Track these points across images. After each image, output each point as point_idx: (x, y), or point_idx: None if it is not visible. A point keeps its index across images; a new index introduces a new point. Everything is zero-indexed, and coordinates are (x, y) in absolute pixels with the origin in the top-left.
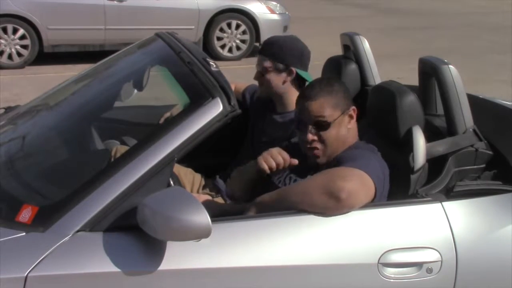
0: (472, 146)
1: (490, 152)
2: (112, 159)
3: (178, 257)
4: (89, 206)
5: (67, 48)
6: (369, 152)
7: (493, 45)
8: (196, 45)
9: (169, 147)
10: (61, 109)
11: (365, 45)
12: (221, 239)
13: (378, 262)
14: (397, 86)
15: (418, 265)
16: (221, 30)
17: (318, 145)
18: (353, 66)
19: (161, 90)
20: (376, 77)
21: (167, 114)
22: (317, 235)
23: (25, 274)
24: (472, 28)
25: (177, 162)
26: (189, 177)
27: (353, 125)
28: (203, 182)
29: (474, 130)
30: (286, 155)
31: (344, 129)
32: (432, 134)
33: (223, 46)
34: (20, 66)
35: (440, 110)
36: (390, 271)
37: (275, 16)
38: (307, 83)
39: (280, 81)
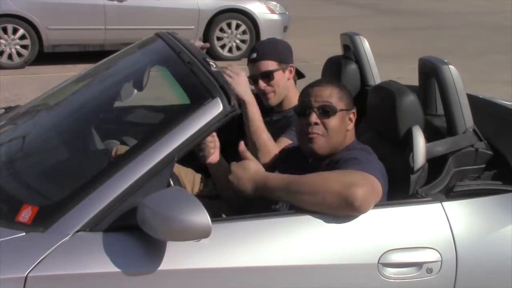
0: (472, 146)
1: (490, 152)
2: (112, 159)
3: (178, 257)
4: (89, 206)
5: (67, 48)
6: (367, 153)
7: (493, 45)
8: (196, 45)
9: (169, 147)
10: (61, 109)
11: (365, 45)
12: (221, 239)
13: (378, 262)
14: (397, 86)
15: (418, 265)
16: (221, 30)
17: (320, 131)
18: (353, 66)
19: (161, 90)
20: (376, 77)
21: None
22: (317, 235)
23: (25, 274)
24: (472, 28)
25: (177, 162)
26: (189, 177)
27: (351, 127)
28: (203, 182)
29: (474, 130)
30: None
31: (345, 127)
32: (432, 134)
33: (223, 46)
34: (20, 66)
35: (440, 110)
36: (390, 271)
37: (275, 16)
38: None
39: (285, 80)
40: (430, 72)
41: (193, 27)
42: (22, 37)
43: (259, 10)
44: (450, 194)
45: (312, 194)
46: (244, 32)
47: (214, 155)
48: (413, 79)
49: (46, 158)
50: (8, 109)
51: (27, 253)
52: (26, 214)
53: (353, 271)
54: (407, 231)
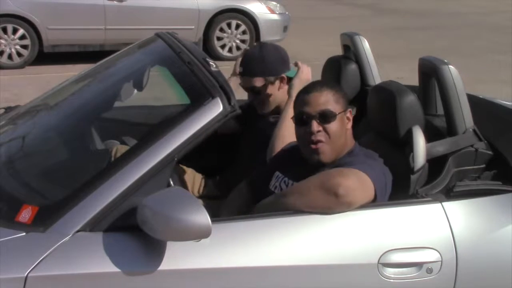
0: (472, 146)
1: (490, 152)
2: (112, 159)
3: (178, 257)
4: (89, 206)
5: (67, 48)
6: (367, 158)
7: (493, 45)
8: (196, 45)
9: (169, 147)
10: (61, 109)
11: (365, 45)
12: (221, 239)
13: (378, 262)
14: (397, 86)
15: (418, 265)
16: (221, 30)
17: (323, 137)
18: (353, 66)
19: (161, 90)
20: (376, 77)
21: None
22: (317, 235)
23: (25, 274)
24: (472, 28)
25: (177, 162)
26: (190, 177)
27: (350, 126)
28: (203, 182)
29: (474, 130)
30: None
31: (345, 127)
32: (432, 134)
33: (223, 46)
34: (20, 66)
35: (440, 110)
36: (390, 271)
37: (275, 16)
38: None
39: (276, 90)
40: (430, 72)
41: (193, 27)
42: (22, 37)
43: (259, 10)
44: (450, 194)
45: (298, 195)
46: (244, 32)
47: None
48: (413, 79)
49: (46, 158)
50: (8, 109)
51: (27, 253)
52: (26, 214)
53: (353, 271)
54: (407, 231)
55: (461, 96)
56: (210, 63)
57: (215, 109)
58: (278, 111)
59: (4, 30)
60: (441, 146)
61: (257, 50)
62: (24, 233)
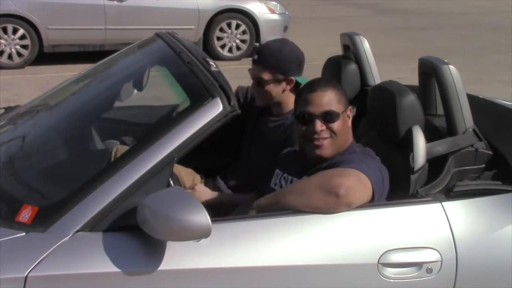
0: (472, 146)
1: (490, 152)
2: (112, 159)
3: (178, 257)
4: (89, 206)
5: (67, 48)
6: (365, 157)
7: (493, 45)
8: (196, 45)
9: (169, 147)
10: (61, 109)
11: (365, 45)
12: (221, 239)
13: (378, 262)
14: (397, 86)
15: (418, 265)
16: (221, 30)
17: (327, 135)
18: (353, 66)
19: (161, 90)
20: (376, 77)
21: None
22: (317, 235)
23: (25, 274)
24: (472, 28)
25: (177, 162)
26: (189, 177)
27: (350, 123)
28: (203, 182)
29: (474, 130)
30: None
31: (347, 125)
32: (432, 134)
33: (223, 46)
34: (20, 66)
35: (440, 110)
36: (390, 271)
37: (275, 16)
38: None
39: (279, 91)
40: (430, 72)
41: (193, 27)
42: (22, 37)
43: (259, 10)
44: (450, 194)
45: (298, 194)
46: (244, 32)
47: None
48: (413, 79)
49: (46, 158)
50: (8, 109)
51: (27, 253)
52: (26, 214)
53: (353, 271)
54: (407, 231)
55: (461, 96)
56: (210, 63)
57: (215, 109)
58: (279, 110)
59: (4, 30)
60: (441, 146)
61: (277, 44)
62: (24, 233)
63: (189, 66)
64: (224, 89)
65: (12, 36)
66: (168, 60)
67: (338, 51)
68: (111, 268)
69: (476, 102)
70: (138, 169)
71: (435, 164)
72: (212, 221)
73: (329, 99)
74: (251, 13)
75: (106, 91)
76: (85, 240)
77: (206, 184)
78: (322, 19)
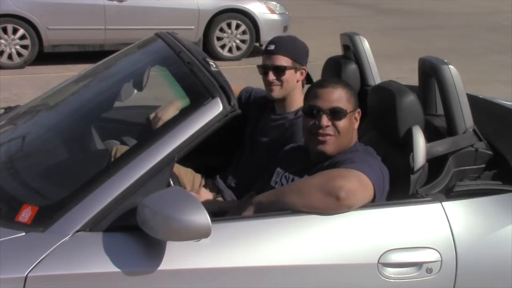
0: (472, 146)
1: (490, 152)
2: (112, 159)
3: (178, 257)
4: (89, 206)
5: (67, 48)
6: (367, 156)
7: (493, 45)
8: (196, 45)
9: (169, 147)
10: (61, 109)
11: (365, 45)
12: (221, 239)
13: (378, 262)
14: (397, 86)
15: (418, 265)
16: (221, 30)
17: (332, 132)
18: (353, 66)
19: (161, 90)
20: (376, 77)
21: (152, 115)
22: (317, 235)
23: (25, 274)
24: (472, 28)
25: (177, 162)
26: (189, 177)
27: (356, 126)
28: (203, 182)
29: (474, 130)
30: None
31: (353, 127)
32: (432, 134)
33: (223, 46)
34: (20, 66)
35: (440, 110)
36: (390, 271)
37: (275, 16)
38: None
39: (294, 79)
40: (430, 72)
41: (193, 27)
42: (22, 37)
43: (259, 10)
44: (450, 194)
45: (298, 195)
46: (244, 32)
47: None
48: (413, 79)
49: (46, 158)
50: (8, 109)
51: (27, 253)
52: (26, 214)
53: (353, 271)
54: (407, 231)
55: (461, 96)
56: (210, 63)
57: (215, 109)
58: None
59: (4, 30)
60: (441, 146)
61: (288, 36)
62: (24, 233)
63: (189, 66)
64: (224, 89)
65: (12, 36)
66: (168, 60)
67: (338, 51)
68: (111, 268)
69: (476, 102)
70: (138, 169)
71: (435, 164)
72: (212, 221)
73: (338, 96)
74: (251, 13)
75: (106, 91)
76: (85, 240)
77: (206, 184)
78: (322, 19)
